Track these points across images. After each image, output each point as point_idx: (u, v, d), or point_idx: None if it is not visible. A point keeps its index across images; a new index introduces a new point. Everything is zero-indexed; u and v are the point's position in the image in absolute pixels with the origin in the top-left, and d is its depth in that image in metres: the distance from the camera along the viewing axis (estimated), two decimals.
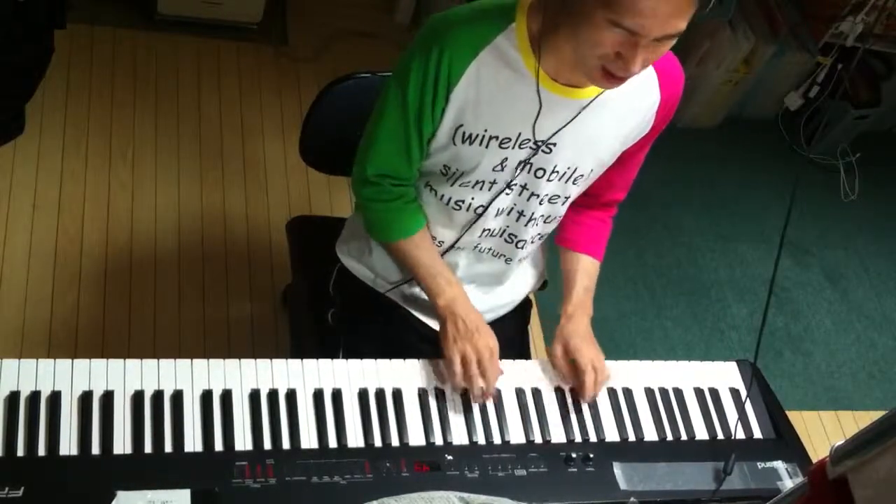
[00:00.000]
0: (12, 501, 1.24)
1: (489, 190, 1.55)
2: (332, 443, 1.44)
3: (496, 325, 1.83)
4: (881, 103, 3.54)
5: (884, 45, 3.35)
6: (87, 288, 2.46)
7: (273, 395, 1.46)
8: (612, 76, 1.32)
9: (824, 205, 3.52)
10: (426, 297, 1.75)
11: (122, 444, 1.35)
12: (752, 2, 3.35)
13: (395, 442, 1.46)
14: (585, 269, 1.72)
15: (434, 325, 1.80)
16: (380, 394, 1.52)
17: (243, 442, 1.40)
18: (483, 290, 1.79)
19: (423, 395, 1.53)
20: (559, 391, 1.61)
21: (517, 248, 1.68)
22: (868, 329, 3.18)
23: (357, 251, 1.77)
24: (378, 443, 1.46)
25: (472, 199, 1.57)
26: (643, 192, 3.23)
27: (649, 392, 1.66)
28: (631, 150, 1.60)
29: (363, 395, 1.51)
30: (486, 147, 1.48)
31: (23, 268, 2.45)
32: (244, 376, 1.47)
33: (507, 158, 1.50)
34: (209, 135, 2.88)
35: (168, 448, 1.36)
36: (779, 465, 1.59)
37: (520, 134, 1.48)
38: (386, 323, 1.77)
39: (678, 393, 1.67)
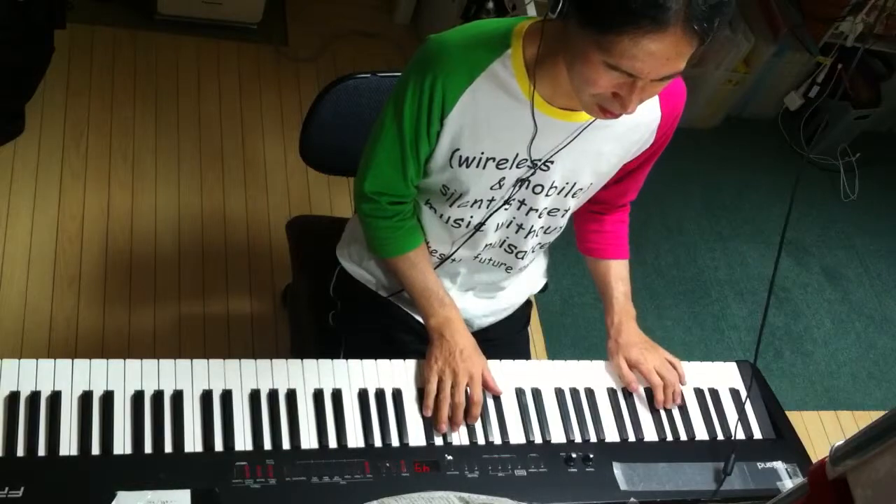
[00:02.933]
0: (12, 501, 1.24)
1: (487, 207, 1.56)
2: (332, 443, 1.44)
3: (496, 326, 1.83)
4: (881, 103, 3.54)
5: (884, 45, 3.35)
6: (87, 288, 2.46)
7: (273, 395, 1.46)
8: (608, 112, 1.32)
9: (824, 205, 3.52)
10: None
11: (122, 444, 1.35)
12: (752, 2, 3.35)
13: (395, 442, 1.46)
14: (618, 274, 1.73)
15: None
16: (380, 394, 1.52)
17: (243, 442, 1.40)
18: (483, 297, 1.79)
19: (423, 394, 1.53)
20: (559, 391, 1.61)
21: (517, 258, 1.68)
22: (868, 329, 3.18)
23: (357, 255, 1.77)
24: (378, 443, 1.46)
25: (472, 217, 1.57)
26: (643, 191, 3.22)
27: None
28: (634, 163, 1.60)
29: (363, 395, 1.51)
30: (483, 168, 1.48)
31: (23, 268, 2.45)
32: (244, 376, 1.47)
33: (504, 178, 1.51)
34: (209, 135, 2.88)
35: (168, 448, 1.36)
36: (779, 465, 1.59)
37: (517, 154, 1.48)
38: (386, 324, 1.77)
39: None
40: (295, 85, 3.09)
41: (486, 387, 1.55)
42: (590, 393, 1.62)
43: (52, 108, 2.76)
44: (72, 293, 2.44)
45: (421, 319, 1.78)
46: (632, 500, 1.47)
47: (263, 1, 3.08)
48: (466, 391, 1.52)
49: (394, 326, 1.77)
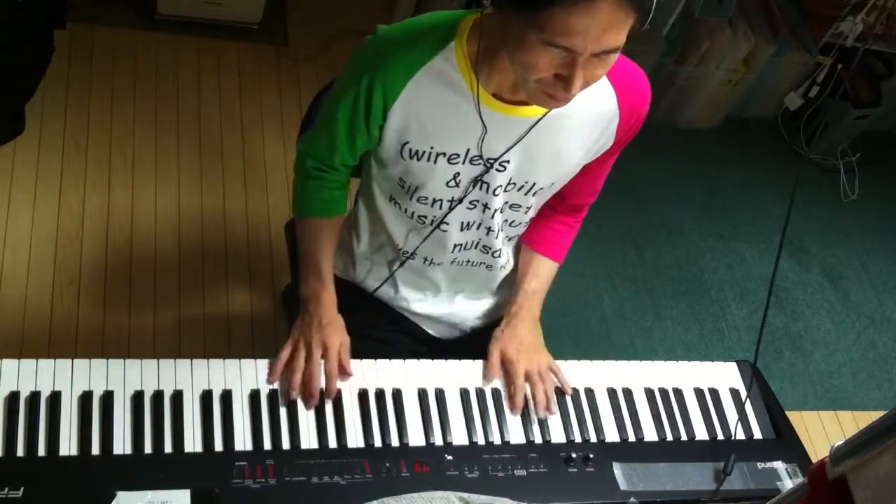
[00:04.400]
0: (12, 501, 1.24)
1: (449, 208, 1.55)
2: (332, 443, 1.44)
3: (493, 326, 1.82)
4: (881, 103, 3.54)
5: (884, 45, 3.35)
6: (87, 288, 2.46)
7: (273, 395, 1.46)
8: (554, 97, 1.30)
9: (824, 205, 3.52)
10: (419, 308, 1.75)
11: (122, 444, 1.35)
12: (752, 2, 3.35)
13: (395, 442, 1.47)
14: (537, 271, 1.70)
15: (432, 331, 1.80)
16: (380, 394, 1.52)
17: (243, 442, 1.40)
18: (472, 300, 1.78)
19: (422, 395, 1.53)
20: (559, 391, 1.61)
21: (494, 257, 1.67)
22: (868, 329, 3.18)
23: (342, 264, 1.77)
24: (378, 443, 1.46)
25: (434, 215, 1.57)
26: (643, 192, 3.24)
27: (649, 392, 1.66)
28: (596, 162, 1.59)
29: (363, 396, 1.51)
30: (435, 163, 1.48)
31: (23, 268, 2.45)
32: (244, 376, 1.47)
33: (458, 173, 1.49)
34: (209, 135, 2.88)
35: (168, 448, 1.36)
36: (779, 465, 1.59)
37: (468, 150, 1.46)
38: (384, 325, 1.77)
39: (678, 393, 1.67)
40: (295, 85, 3.09)
41: (339, 364, 1.52)
42: (590, 393, 1.62)
43: (52, 108, 2.76)
44: (72, 293, 2.44)
45: (424, 326, 1.79)
46: (632, 500, 1.47)
47: (263, 1, 3.08)
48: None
49: (391, 327, 1.77)
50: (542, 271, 1.71)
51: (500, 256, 1.67)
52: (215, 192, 2.75)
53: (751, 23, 3.29)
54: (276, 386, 1.47)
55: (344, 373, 1.52)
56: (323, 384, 1.49)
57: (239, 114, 2.96)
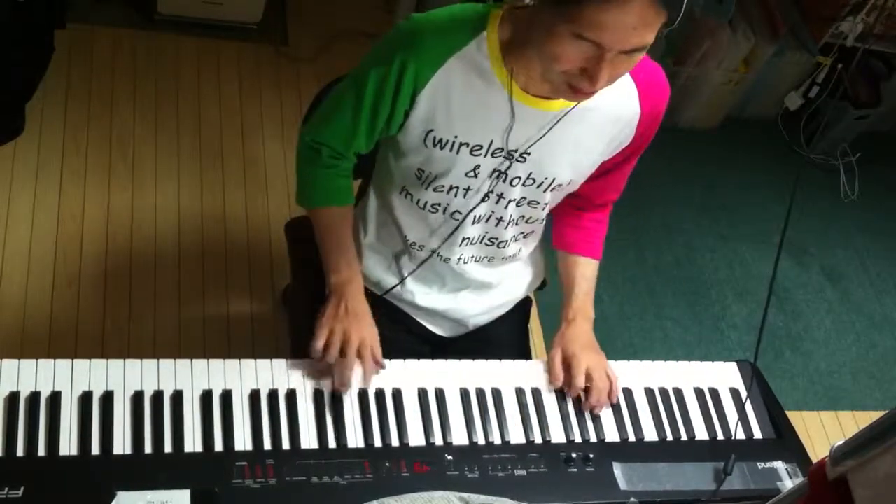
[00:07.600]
0: (12, 501, 1.24)
1: (464, 197, 1.55)
2: (332, 443, 1.44)
3: (495, 324, 1.83)
4: (881, 103, 3.54)
5: (884, 45, 3.35)
6: (87, 288, 2.46)
7: (273, 395, 1.46)
8: (578, 90, 1.31)
9: (824, 205, 3.52)
10: (424, 302, 1.75)
11: (122, 444, 1.35)
12: (752, 2, 3.35)
13: (395, 442, 1.47)
14: (584, 273, 1.72)
15: (434, 328, 1.80)
16: (380, 394, 1.52)
17: (243, 442, 1.40)
18: (476, 294, 1.78)
19: (422, 395, 1.53)
20: (559, 391, 1.61)
21: (499, 248, 1.67)
22: (868, 329, 3.18)
23: None
24: (378, 443, 1.46)
25: (448, 203, 1.57)
26: (643, 192, 3.24)
27: (649, 392, 1.66)
28: (616, 160, 1.59)
29: (363, 396, 1.51)
30: (457, 153, 1.48)
31: (23, 268, 2.45)
32: (244, 376, 1.47)
33: (479, 165, 1.50)
34: (209, 135, 2.88)
35: (168, 448, 1.36)
36: (779, 465, 1.59)
37: (492, 142, 1.47)
38: (385, 324, 1.77)
39: (678, 393, 1.67)
40: (295, 85, 3.09)
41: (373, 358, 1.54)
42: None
43: (52, 108, 2.76)
44: (72, 293, 2.44)
45: (420, 321, 1.79)
46: (632, 500, 1.47)
47: (263, 1, 3.08)
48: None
49: (392, 326, 1.77)
50: (587, 272, 1.73)
51: (506, 247, 1.67)
52: (215, 192, 2.75)
53: (751, 23, 3.29)
54: (275, 386, 1.47)
55: (378, 365, 1.54)
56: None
57: (239, 114, 2.96)
